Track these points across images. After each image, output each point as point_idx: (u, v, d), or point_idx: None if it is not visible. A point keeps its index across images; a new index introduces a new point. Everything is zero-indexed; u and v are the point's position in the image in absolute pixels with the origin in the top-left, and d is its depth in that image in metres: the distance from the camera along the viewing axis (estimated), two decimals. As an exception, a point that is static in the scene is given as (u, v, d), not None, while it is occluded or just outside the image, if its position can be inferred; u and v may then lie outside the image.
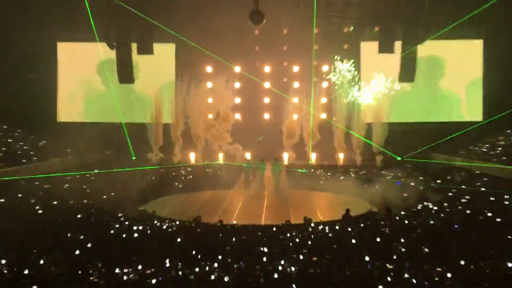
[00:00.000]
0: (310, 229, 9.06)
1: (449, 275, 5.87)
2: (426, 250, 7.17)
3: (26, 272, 6.01)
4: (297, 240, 8.08)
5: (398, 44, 20.01)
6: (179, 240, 7.96)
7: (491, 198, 11.68)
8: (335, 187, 15.86)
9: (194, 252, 7.05)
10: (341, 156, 20.94)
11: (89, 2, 16.75)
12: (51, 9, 19.26)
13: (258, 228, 9.47)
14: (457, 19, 17.84)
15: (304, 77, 21.84)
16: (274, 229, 9.04)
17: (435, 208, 11.22)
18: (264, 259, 6.71)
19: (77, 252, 7.00)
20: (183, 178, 18.00)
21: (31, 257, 6.70)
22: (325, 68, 21.89)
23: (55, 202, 11.81)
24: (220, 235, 8.46)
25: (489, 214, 9.91)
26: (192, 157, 21.41)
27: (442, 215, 10.37)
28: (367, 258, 6.63)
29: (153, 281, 5.77)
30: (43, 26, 20.22)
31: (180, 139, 21.53)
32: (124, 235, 8.40)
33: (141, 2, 18.48)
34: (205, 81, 22.35)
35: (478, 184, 14.01)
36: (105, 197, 12.98)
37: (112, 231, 8.73)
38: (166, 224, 9.69)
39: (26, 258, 6.68)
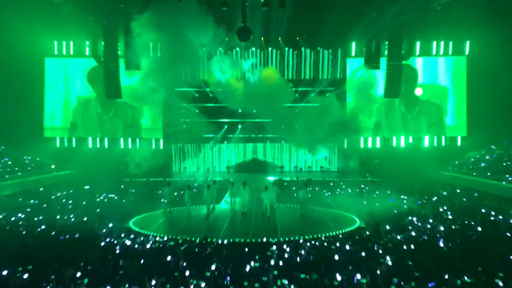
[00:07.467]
0: (297, 246, 9.02)
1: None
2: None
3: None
4: (285, 256, 8.04)
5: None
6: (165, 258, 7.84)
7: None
8: None
9: (180, 269, 6.95)
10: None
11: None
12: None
13: (245, 245, 9.38)
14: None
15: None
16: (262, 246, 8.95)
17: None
18: (252, 275, 6.66)
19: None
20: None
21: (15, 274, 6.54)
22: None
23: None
24: (207, 252, 8.35)
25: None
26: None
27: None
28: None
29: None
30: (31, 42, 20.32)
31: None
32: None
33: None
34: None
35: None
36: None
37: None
38: (152, 241, 9.55)
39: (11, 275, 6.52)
